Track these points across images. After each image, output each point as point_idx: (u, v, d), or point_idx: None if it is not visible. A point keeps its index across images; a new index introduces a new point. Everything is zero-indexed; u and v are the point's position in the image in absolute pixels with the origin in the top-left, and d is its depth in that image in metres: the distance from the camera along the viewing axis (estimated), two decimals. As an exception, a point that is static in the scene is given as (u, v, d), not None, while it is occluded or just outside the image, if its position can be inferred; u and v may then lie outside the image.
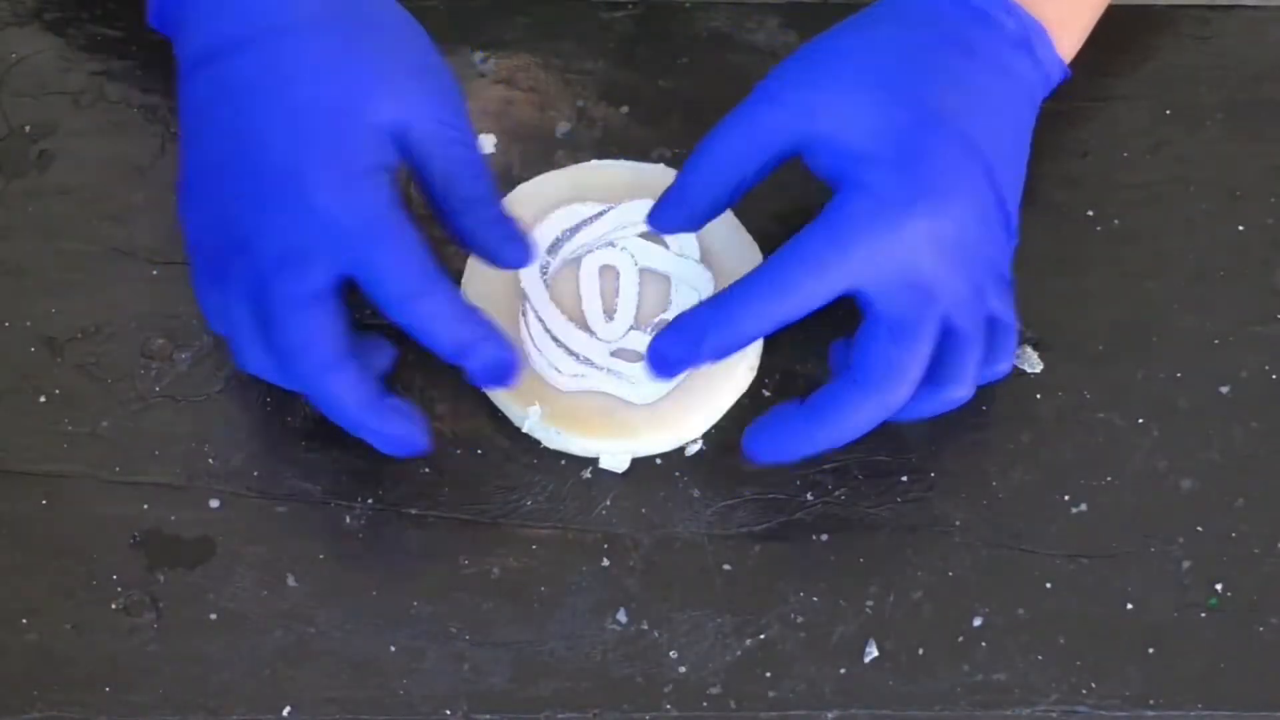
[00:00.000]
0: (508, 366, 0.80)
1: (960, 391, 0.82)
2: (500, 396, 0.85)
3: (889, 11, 0.84)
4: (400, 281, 0.78)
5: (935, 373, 0.81)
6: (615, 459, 0.85)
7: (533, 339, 0.86)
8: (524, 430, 0.85)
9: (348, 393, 0.79)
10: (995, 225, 0.82)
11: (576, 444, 0.85)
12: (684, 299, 0.87)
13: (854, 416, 0.81)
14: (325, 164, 0.78)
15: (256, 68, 0.80)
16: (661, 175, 0.88)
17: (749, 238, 0.89)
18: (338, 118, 0.79)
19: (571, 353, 0.86)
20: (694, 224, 0.84)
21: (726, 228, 0.88)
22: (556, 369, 0.85)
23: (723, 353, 0.81)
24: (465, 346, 0.80)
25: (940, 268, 0.80)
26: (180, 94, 0.82)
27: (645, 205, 0.87)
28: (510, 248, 0.82)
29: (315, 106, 0.79)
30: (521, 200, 0.89)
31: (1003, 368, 0.84)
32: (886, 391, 0.80)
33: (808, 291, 0.80)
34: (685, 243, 0.88)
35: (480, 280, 0.87)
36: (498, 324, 0.81)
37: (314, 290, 0.78)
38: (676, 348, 0.82)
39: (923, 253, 0.79)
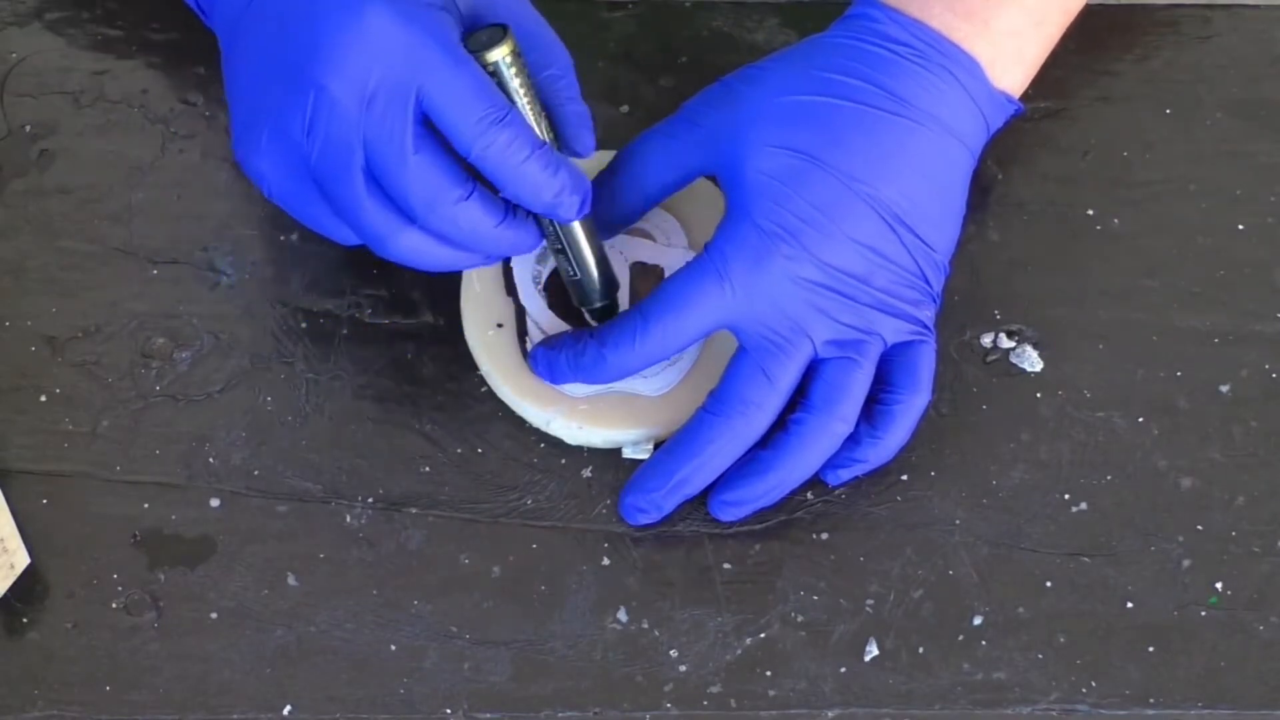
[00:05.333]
0: (584, 192, 0.80)
1: (841, 427, 0.83)
2: (517, 400, 0.85)
3: (817, 46, 0.84)
4: (481, 107, 0.77)
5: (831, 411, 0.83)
6: (638, 448, 0.85)
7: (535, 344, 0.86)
8: (546, 430, 0.85)
9: (492, 210, 0.79)
10: (892, 259, 0.82)
11: (599, 437, 0.85)
12: None
13: (712, 446, 0.82)
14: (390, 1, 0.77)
15: None
16: None
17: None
18: None
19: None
20: (621, 223, 0.86)
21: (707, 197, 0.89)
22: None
23: (592, 382, 0.84)
24: (544, 175, 0.79)
25: (808, 305, 0.81)
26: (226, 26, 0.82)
27: None
28: (585, 133, 0.83)
29: None
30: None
31: (919, 400, 0.84)
32: (739, 420, 0.82)
33: (674, 330, 0.82)
34: (672, 233, 0.88)
35: (478, 280, 0.87)
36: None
37: (418, 120, 0.77)
38: (547, 371, 0.84)
39: (789, 290, 0.81)
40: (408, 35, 0.76)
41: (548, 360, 0.84)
